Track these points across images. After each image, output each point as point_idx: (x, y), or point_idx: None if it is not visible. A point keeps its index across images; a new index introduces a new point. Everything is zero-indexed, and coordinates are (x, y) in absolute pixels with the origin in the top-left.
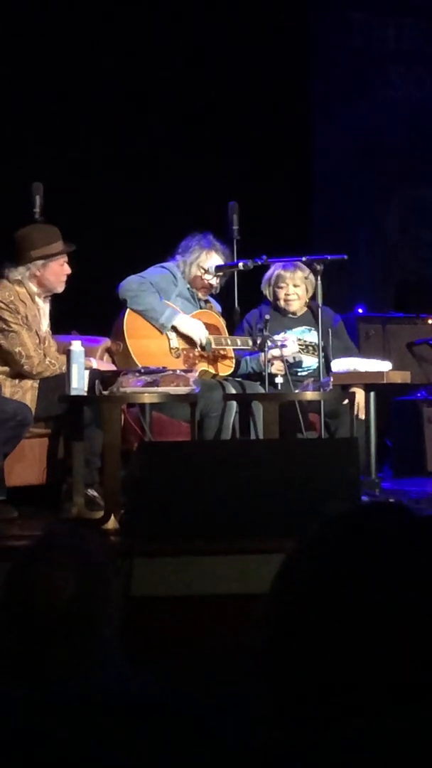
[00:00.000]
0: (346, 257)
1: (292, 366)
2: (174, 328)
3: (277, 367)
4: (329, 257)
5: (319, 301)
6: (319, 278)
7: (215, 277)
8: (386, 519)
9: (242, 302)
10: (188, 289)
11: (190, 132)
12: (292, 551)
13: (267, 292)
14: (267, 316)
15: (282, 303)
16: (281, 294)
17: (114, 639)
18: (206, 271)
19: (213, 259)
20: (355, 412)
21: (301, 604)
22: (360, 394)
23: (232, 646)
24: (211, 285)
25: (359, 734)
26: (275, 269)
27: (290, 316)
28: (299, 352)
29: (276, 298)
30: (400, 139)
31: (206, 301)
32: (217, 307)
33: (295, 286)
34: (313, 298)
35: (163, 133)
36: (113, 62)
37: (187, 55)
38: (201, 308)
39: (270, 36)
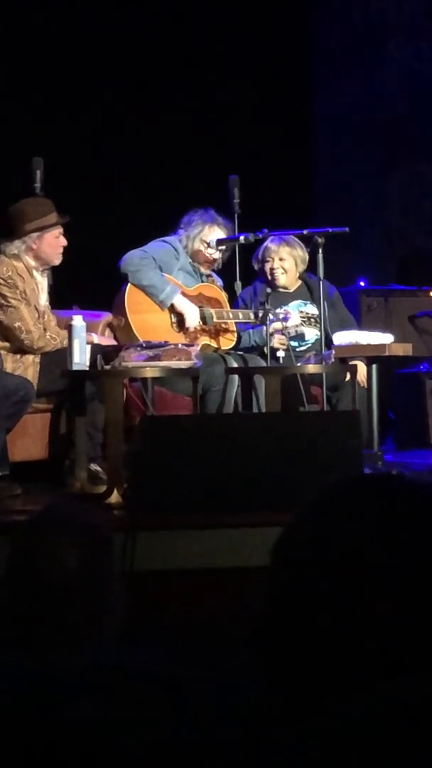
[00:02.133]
0: (347, 230)
1: (294, 339)
2: (172, 307)
3: (279, 341)
4: (330, 230)
5: (321, 274)
6: (320, 251)
7: (218, 251)
8: (383, 488)
9: (244, 276)
10: (190, 263)
11: (192, 106)
12: (290, 522)
13: (256, 266)
14: (268, 290)
15: (269, 277)
16: (267, 268)
17: (117, 611)
18: (209, 245)
19: (215, 233)
20: (357, 391)
21: (299, 575)
22: (361, 367)
23: (234, 618)
24: (214, 259)
25: (356, 706)
26: (264, 243)
27: (281, 290)
28: (302, 324)
29: (263, 272)
30: (400, 111)
31: (208, 276)
32: (219, 281)
33: (280, 260)
34: (308, 271)
35: (165, 107)
36: (113, 35)
37: (187, 28)
38: (203, 281)
39: (270, 9)
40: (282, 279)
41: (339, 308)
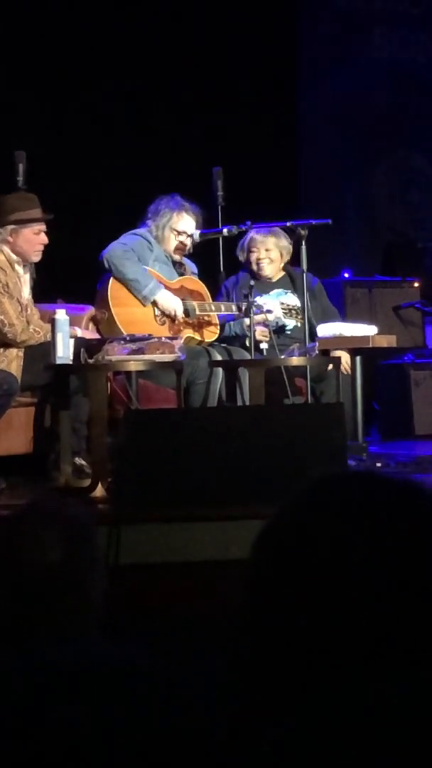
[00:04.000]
0: (330, 222)
1: (276, 330)
2: (154, 303)
3: (262, 333)
4: (314, 222)
5: (304, 266)
6: (303, 243)
7: (189, 238)
8: (366, 484)
9: (227, 268)
10: (164, 253)
11: (175, 97)
12: (272, 517)
13: (241, 257)
14: (252, 282)
15: (254, 267)
16: (253, 258)
17: (100, 605)
18: (180, 233)
19: (184, 219)
20: (341, 384)
21: (279, 570)
22: (345, 355)
23: (219, 611)
24: (184, 245)
25: (336, 700)
26: (249, 233)
27: (266, 280)
28: (283, 316)
29: (249, 261)
30: (385, 101)
31: (180, 263)
32: (192, 267)
33: (266, 250)
34: (292, 263)
35: (148, 98)
36: (97, 25)
37: (172, 20)
38: (178, 273)
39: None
40: (267, 269)
41: (321, 299)
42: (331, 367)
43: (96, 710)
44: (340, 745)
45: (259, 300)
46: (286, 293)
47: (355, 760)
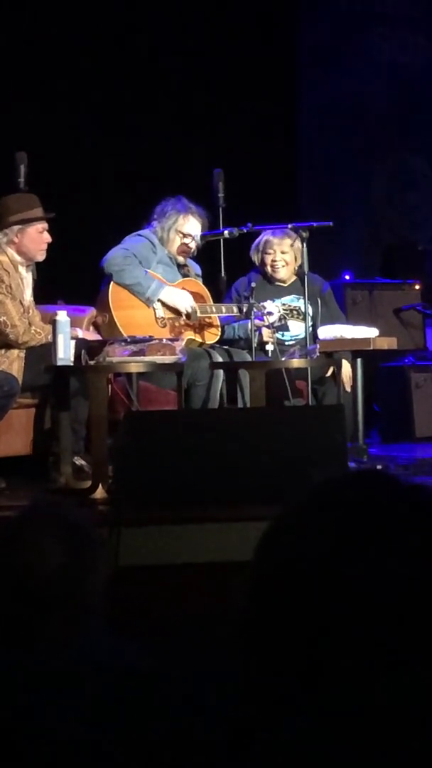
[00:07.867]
0: (331, 224)
1: (278, 331)
2: (160, 301)
3: (267, 335)
4: (315, 224)
5: (306, 268)
6: (305, 245)
7: (194, 241)
8: (371, 487)
9: (228, 270)
10: (167, 254)
11: (176, 100)
12: (275, 519)
13: (255, 258)
14: (253, 284)
15: (269, 269)
16: (268, 260)
17: (101, 608)
18: (185, 235)
19: (190, 222)
20: (342, 386)
21: (282, 573)
22: (346, 366)
23: (218, 614)
24: (189, 248)
25: (337, 704)
26: (264, 235)
27: (279, 284)
28: (285, 316)
29: (263, 263)
30: (385, 103)
31: (184, 265)
32: (196, 268)
33: (282, 252)
34: (302, 265)
35: (149, 101)
36: (98, 25)
37: (172, 22)
38: (182, 274)
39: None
40: (282, 272)
41: (330, 304)
42: (331, 371)
43: (96, 711)
44: (341, 746)
45: (263, 305)
46: (298, 299)
47: (355, 760)
